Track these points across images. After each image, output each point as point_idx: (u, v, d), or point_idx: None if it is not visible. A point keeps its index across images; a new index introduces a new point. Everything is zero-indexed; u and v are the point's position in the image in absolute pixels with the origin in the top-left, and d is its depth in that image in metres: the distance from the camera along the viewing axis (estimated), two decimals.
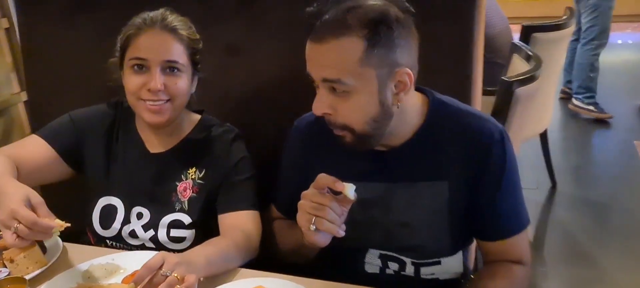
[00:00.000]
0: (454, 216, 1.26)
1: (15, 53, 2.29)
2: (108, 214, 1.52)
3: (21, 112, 2.36)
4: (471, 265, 1.49)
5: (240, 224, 1.43)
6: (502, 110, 1.86)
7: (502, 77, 1.88)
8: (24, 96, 2.27)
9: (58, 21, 1.85)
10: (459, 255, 1.34)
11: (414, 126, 1.25)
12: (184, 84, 1.44)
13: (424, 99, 1.27)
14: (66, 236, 1.42)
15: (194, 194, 1.50)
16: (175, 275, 1.11)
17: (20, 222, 1.17)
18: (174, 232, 1.48)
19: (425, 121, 1.24)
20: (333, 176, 1.14)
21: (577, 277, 2.65)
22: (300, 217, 1.13)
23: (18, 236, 1.18)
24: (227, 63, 1.74)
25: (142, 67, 1.40)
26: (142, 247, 1.50)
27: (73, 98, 1.72)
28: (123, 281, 1.24)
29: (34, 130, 2.15)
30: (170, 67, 1.41)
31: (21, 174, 1.41)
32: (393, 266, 1.34)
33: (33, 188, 1.27)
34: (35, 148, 1.50)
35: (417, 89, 1.26)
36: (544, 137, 3.30)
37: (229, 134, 1.54)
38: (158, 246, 1.50)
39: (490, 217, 1.26)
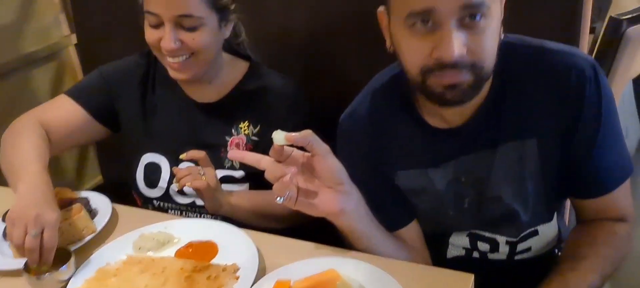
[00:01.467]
0: (548, 176, 1.08)
1: None
2: (153, 172, 1.40)
3: (72, 55, 2.26)
4: (567, 224, 1.32)
5: None
6: (608, 52, 1.60)
7: (611, 15, 1.60)
8: (74, 39, 2.16)
9: None
10: (554, 221, 1.17)
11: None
12: (205, 36, 1.25)
13: None
14: (115, 197, 1.32)
15: (249, 151, 1.34)
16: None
17: None
18: (226, 187, 1.34)
19: (496, 72, 1.01)
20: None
21: None
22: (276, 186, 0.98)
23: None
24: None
25: (155, 21, 1.23)
26: (192, 205, 1.38)
27: (125, 39, 1.58)
28: (176, 254, 1.11)
29: (86, 73, 2.08)
30: (185, 22, 1.22)
31: (53, 141, 1.31)
32: (482, 247, 1.17)
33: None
34: (65, 111, 1.38)
35: None
36: (637, 80, 2.95)
37: (287, 88, 1.37)
38: None
39: (589, 170, 1.06)
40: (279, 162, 0.97)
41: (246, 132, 1.36)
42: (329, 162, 0.99)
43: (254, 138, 1.36)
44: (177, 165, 1.34)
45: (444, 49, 0.90)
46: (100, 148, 2.13)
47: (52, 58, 2.22)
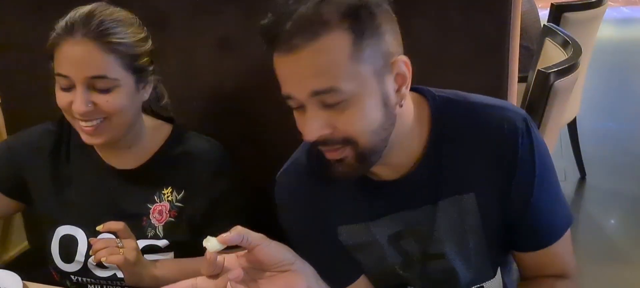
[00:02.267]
0: (489, 230, 1.07)
1: None
2: (68, 246, 1.31)
3: None
4: (513, 278, 1.29)
5: None
6: (538, 104, 1.64)
7: (539, 69, 1.65)
8: None
9: (27, 15, 1.62)
10: (498, 275, 1.16)
11: (417, 137, 1.03)
12: (120, 99, 1.19)
13: (420, 99, 1.05)
14: (28, 274, 1.23)
15: (172, 219, 1.29)
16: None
17: None
18: (149, 257, 1.27)
19: (431, 128, 1.03)
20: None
21: (613, 278, 2.45)
22: None
23: None
24: (218, 57, 1.51)
25: (67, 83, 1.17)
26: (113, 279, 1.30)
27: (51, 99, 1.51)
28: None
29: (10, 134, 1.98)
30: (97, 83, 1.17)
31: None
32: None
33: None
34: None
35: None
36: (572, 125, 3.07)
37: (212, 152, 1.32)
38: None
39: (527, 223, 1.05)
40: (215, 275, 0.92)
41: (170, 198, 1.30)
42: (271, 248, 0.94)
43: (178, 204, 1.30)
44: (95, 236, 1.26)
45: (304, 131, 0.92)
46: (25, 213, 2.01)
47: None
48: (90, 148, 1.30)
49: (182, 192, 1.30)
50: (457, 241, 1.07)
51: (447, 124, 1.03)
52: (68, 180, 1.33)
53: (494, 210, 1.04)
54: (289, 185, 1.13)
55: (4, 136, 2.05)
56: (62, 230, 1.32)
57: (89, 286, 1.33)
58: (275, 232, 1.12)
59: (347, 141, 0.93)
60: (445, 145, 1.03)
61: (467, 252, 1.08)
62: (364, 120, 0.92)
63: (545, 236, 1.06)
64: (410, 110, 1.01)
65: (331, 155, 0.95)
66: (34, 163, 1.33)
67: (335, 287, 1.09)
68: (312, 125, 0.91)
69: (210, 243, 0.89)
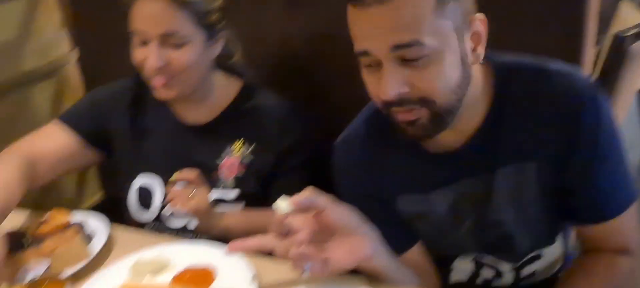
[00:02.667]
0: (548, 201, 1.05)
1: (66, 8, 2.16)
2: (145, 197, 1.39)
3: (73, 72, 2.24)
4: (573, 243, 1.27)
5: None
6: (612, 69, 1.59)
7: (615, 32, 1.58)
8: (75, 55, 2.15)
9: None
10: (558, 242, 1.14)
11: (480, 103, 1.01)
12: (190, 55, 1.23)
13: (484, 64, 1.01)
14: (115, 215, 1.31)
15: (241, 172, 1.33)
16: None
17: None
18: (220, 209, 1.33)
19: (494, 94, 1.00)
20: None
21: None
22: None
23: None
24: (286, 17, 1.53)
25: (141, 39, 1.22)
26: (184, 230, 1.36)
27: (127, 55, 1.56)
28: (173, 281, 1.09)
29: (88, 90, 2.07)
30: (170, 39, 1.21)
31: (42, 172, 1.31)
32: (486, 273, 1.14)
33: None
34: (56, 139, 1.36)
35: None
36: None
37: (280, 107, 1.35)
38: None
39: (586, 196, 1.02)
40: (283, 235, 0.94)
41: (239, 152, 1.34)
42: (340, 211, 0.96)
43: (247, 158, 1.34)
44: (170, 187, 1.32)
45: (381, 89, 0.90)
46: (101, 166, 2.11)
47: (53, 75, 2.21)
48: (165, 103, 1.35)
49: (251, 146, 1.34)
50: (515, 209, 1.05)
51: (510, 91, 1.00)
52: (145, 133, 1.39)
53: (554, 181, 1.02)
54: (347, 153, 1.14)
55: (82, 92, 2.15)
56: (139, 181, 1.39)
57: (163, 233, 1.39)
58: (335, 193, 1.15)
59: (424, 101, 0.91)
60: (507, 112, 1.00)
61: (526, 219, 1.06)
62: (443, 78, 0.90)
63: (605, 210, 1.02)
64: (477, 74, 0.99)
65: (405, 116, 0.93)
66: (115, 115, 1.40)
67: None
68: (390, 82, 0.89)
69: (281, 204, 0.92)
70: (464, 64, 0.92)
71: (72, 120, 1.38)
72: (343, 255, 0.95)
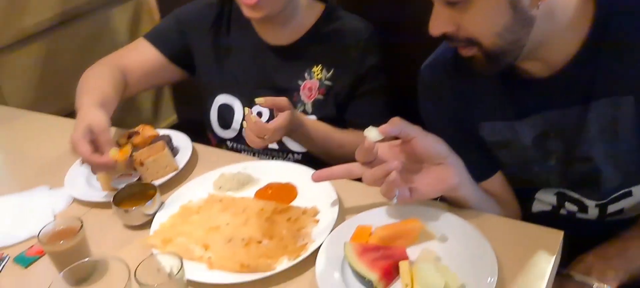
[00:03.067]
0: None
1: None
2: (226, 114, 1.41)
3: None
4: None
5: None
6: None
7: None
8: None
9: None
10: None
11: (576, 33, 0.95)
12: None
13: None
14: (194, 136, 1.35)
15: (320, 96, 1.33)
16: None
17: None
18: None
19: (592, 25, 0.94)
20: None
21: None
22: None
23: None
24: None
25: None
26: (264, 149, 1.39)
27: None
28: (256, 195, 1.12)
29: (163, 13, 2.11)
30: None
31: (130, 83, 1.36)
32: (570, 207, 1.11)
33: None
34: (142, 55, 1.41)
35: None
36: None
37: (362, 31, 1.33)
38: (280, 147, 1.38)
39: None
40: (368, 163, 0.94)
41: (319, 76, 1.34)
42: (428, 140, 0.96)
43: (327, 82, 1.34)
44: (250, 106, 1.34)
45: (429, 26, 0.92)
46: (175, 88, 2.18)
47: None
48: (248, 23, 1.36)
49: (331, 71, 1.33)
50: (607, 143, 1.01)
51: (611, 21, 0.94)
52: (227, 51, 1.41)
53: None
54: (433, 78, 1.12)
55: (157, 14, 2.19)
56: (221, 98, 1.42)
57: (242, 152, 1.43)
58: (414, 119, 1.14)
59: (470, 41, 0.91)
60: (606, 44, 0.95)
61: (618, 155, 1.02)
62: (485, 22, 0.89)
63: None
64: (569, 5, 0.93)
65: (461, 51, 0.94)
66: (198, 34, 1.42)
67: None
68: (434, 21, 0.92)
69: (371, 133, 0.92)
70: (515, 7, 0.88)
71: (158, 39, 1.41)
72: (430, 183, 0.96)
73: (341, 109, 1.35)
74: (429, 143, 0.96)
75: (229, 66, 1.40)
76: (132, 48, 1.43)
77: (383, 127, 0.92)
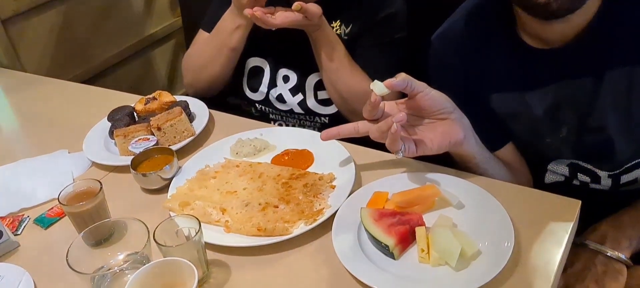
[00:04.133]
0: None
1: None
2: (255, 76, 1.43)
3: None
4: None
5: None
6: None
7: None
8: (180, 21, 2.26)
9: None
10: None
11: (591, 3, 0.93)
12: None
13: None
14: (214, 104, 1.35)
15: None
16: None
17: None
18: (321, 94, 1.36)
19: None
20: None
21: None
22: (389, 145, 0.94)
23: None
24: None
25: None
26: (291, 113, 1.40)
27: None
28: (273, 161, 1.13)
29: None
30: None
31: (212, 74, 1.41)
32: (583, 178, 1.11)
33: None
34: (201, 43, 1.45)
35: None
36: None
37: None
38: (307, 111, 1.39)
39: None
40: (375, 120, 0.94)
41: (338, 31, 1.33)
42: (433, 95, 0.95)
43: (346, 38, 1.33)
44: (276, 71, 1.36)
45: None
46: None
47: (168, 39, 2.48)
48: None
49: (350, 25, 1.32)
50: (621, 114, 1.00)
51: None
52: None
53: None
54: (444, 47, 1.11)
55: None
56: (252, 61, 1.43)
57: (270, 115, 1.45)
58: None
59: None
60: (619, 11, 0.93)
61: (630, 125, 1.00)
62: None
63: None
64: None
65: None
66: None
67: None
68: None
69: (377, 86, 0.91)
70: None
71: (209, 24, 1.42)
72: (435, 138, 0.95)
73: (361, 61, 1.34)
74: (435, 97, 0.95)
75: (261, 30, 1.40)
76: (194, 42, 1.47)
77: (388, 80, 0.91)
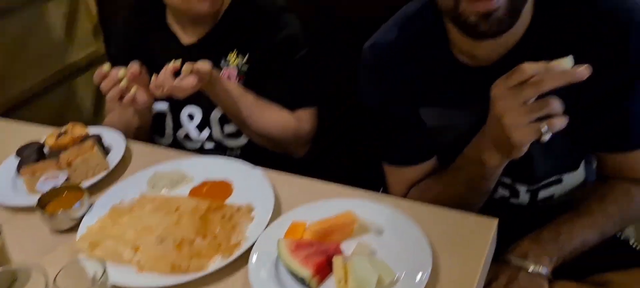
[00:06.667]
0: (576, 121, 0.99)
1: None
2: (159, 121, 1.37)
3: None
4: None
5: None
6: None
7: None
8: None
9: None
10: (581, 168, 1.11)
11: (525, 17, 0.95)
12: None
13: None
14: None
15: (241, 81, 1.30)
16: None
17: None
18: (227, 128, 1.32)
19: (533, 14, 0.96)
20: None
21: None
22: (520, 131, 0.88)
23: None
24: None
25: None
26: (201, 150, 1.35)
27: None
28: (190, 193, 1.09)
29: (102, 13, 2.06)
30: None
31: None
32: (502, 192, 1.12)
33: None
34: None
35: None
36: None
37: (271, 6, 1.30)
38: (218, 145, 1.35)
39: (614, 121, 0.99)
40: None
41: (234, 63, 1.30)
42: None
43: (244, 68, 1.30)
44: (178, 112, 1.33)
45: None
46: None
47: (92, 66, 2.30)
48: (167, 27, 1.34)
49: (246, 56, 1.29)
50: None
51: (550, 11, 0.95)
52: (152, 59, 1.32)
53: (585, 100, 0.97)
54: (375, 58, 1.10)
55: (94, 8, 2.13)
56: (153, 108, 1.35)
57: None
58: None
59: None
60: (545, 31, 0.96)
61: (548, 143, 1.02)
62: None
63: (631, 139, 1.00)
64: None
65: (484, 5, 0.87)
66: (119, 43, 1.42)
67: (401, 162, 1.12)
68: None
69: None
70: None
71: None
72: None
73: (264, 90, 1.30)
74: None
75: (152, 72, 1.35)
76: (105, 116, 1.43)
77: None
